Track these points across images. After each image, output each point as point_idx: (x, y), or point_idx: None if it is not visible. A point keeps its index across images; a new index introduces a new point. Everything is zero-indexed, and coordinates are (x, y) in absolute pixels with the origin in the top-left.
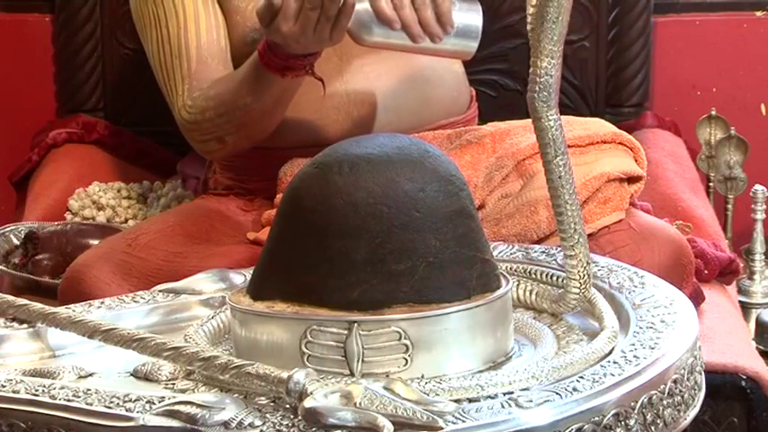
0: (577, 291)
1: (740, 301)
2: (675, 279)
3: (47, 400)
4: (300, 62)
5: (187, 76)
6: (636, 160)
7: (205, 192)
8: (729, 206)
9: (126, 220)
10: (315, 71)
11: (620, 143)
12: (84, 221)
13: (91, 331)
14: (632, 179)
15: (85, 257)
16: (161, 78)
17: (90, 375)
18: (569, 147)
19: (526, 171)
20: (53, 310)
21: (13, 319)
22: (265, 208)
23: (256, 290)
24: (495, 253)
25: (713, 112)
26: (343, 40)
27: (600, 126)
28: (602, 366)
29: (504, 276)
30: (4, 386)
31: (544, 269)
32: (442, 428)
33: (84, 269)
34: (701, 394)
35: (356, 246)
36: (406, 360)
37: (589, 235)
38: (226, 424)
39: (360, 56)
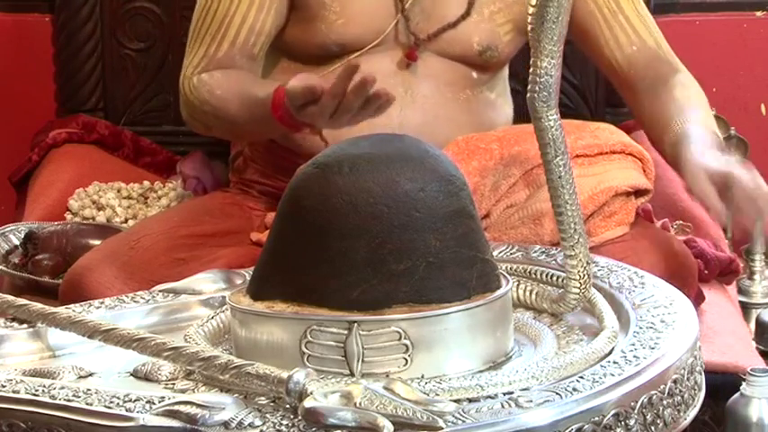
0: (577, 291)
1: (740, 301)
2: None
3: (47, 400)
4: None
5: (208, 57)
6: (644, 170)
7: (224, 186)
8: None
9: (126, 220)
10: (322, 134)
11: (629, 154)
12: (84, 221)
13: (91, 331)
14: (639, 192)
15: (87, 260)
16: (189, 38)
17: (90, 375)
18: (578, 156)
19: (534, 181)
20: (53, 310)
21: (13, 319)
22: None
23: (256, 290)
24: (495, 253)
25: (713, 112)
26: (419, 71)
27: (609, 134)
28: (602, 366)
29: (504, 276)
30: (4, 386)
31: (544, 269)
32: (442, 428)
33: (85, 272)
34: (701, 394)
35: (356, 246)
36: (406, 360)
37: (591, 247)
38: (226, 424)
39: (428, 95)
